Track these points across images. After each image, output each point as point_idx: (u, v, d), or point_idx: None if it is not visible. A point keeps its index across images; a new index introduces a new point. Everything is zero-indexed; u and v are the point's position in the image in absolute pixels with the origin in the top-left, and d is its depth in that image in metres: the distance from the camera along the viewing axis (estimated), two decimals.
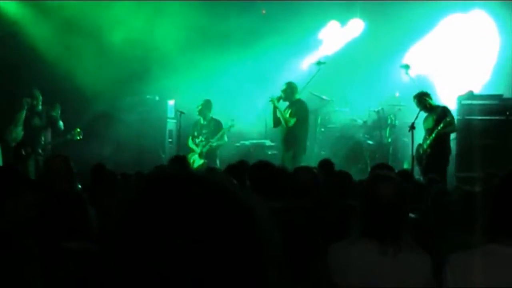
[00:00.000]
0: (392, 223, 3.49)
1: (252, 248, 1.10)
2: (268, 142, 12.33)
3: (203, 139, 11.98)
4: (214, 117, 12.10)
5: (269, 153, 11.98)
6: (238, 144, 12.63)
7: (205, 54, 12.93)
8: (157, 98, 13.06)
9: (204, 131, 12.03)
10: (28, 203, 3.17)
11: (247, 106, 12.77)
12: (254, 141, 12.51)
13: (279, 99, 11.24)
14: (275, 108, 11.24)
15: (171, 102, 13.09)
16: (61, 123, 11.19)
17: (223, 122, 12.02)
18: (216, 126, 11.98)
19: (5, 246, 2.74)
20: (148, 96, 12.98)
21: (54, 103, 11.23)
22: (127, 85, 12.51)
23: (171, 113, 13.01)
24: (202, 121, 12.14)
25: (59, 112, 11.18)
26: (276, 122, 11.34)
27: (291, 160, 10.72)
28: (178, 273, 1.07)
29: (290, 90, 11.22)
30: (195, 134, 12.09)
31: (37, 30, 12.68)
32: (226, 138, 12.07)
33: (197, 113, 12.12)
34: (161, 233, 1.09)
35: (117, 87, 12.39)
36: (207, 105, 12.09)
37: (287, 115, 11.12)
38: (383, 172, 4.49)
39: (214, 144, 11.88)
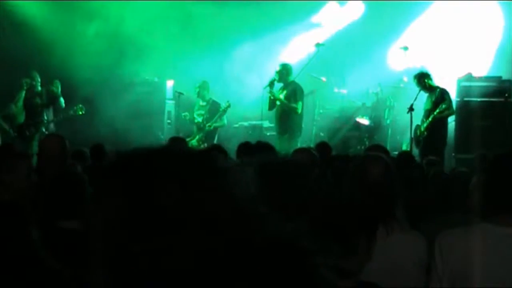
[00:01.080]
0: (382, 203, 3.39)
1: (226, 199, 1.20)
2: (266, 123, 12.26)
3: (200, 121, 11.92)
4: (214, 98, 12.04)
5: (268, 134, 11.92)
6: (236, 125, 12.58)
7: (201, 34, 12.84)
8: (156, 79, 13.00)
9: (202, 112, 11.98)
10: (24, 173, 3.20)
11: (244, 88, 12.68)
12: (253, 122, 12.45)
13: (272, 82, 11.17)
14: (271, 94, 11.16)
15: (170, 83, 13.03)
16: (62, 99, 11.22)
17: (220, 103, 11.92)
18: (213, 108, 11.91)
19: (6, 213, 2.77)
20: (147, 77, 12.91)
21: (53, 80, 11.23)
22: (123, 66, 12.40)
23: (170, 94, 12.96)
24: (201, 102, 12.09)
25: (59, 87, 11.18)
26: (271, 105, 11.29)
27: (287, 142, 10.70)
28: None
29: (285, 71, 11.18)
30: (195, 116, 12.03)
31: (33, 11, 12.58)
32: (225, 120, 12.02)
33: (196, 95, 12.07)
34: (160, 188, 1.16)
35: (112, 68, 12.29)
36: (204, 86, 12.02)
37: (283, 97, 11.06)
38: (373, 152, 4.44)
39: (212, 126, 11.83)
